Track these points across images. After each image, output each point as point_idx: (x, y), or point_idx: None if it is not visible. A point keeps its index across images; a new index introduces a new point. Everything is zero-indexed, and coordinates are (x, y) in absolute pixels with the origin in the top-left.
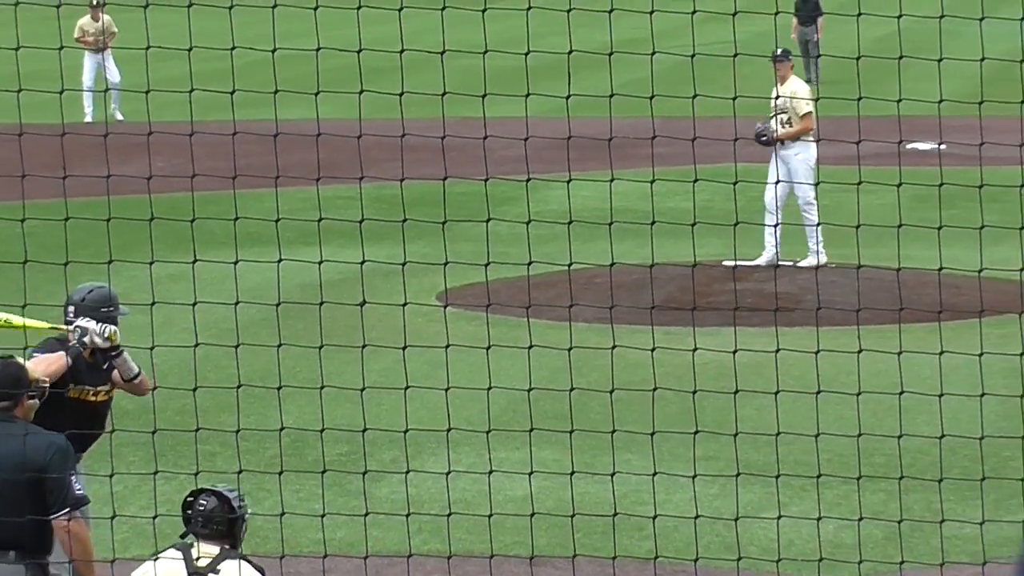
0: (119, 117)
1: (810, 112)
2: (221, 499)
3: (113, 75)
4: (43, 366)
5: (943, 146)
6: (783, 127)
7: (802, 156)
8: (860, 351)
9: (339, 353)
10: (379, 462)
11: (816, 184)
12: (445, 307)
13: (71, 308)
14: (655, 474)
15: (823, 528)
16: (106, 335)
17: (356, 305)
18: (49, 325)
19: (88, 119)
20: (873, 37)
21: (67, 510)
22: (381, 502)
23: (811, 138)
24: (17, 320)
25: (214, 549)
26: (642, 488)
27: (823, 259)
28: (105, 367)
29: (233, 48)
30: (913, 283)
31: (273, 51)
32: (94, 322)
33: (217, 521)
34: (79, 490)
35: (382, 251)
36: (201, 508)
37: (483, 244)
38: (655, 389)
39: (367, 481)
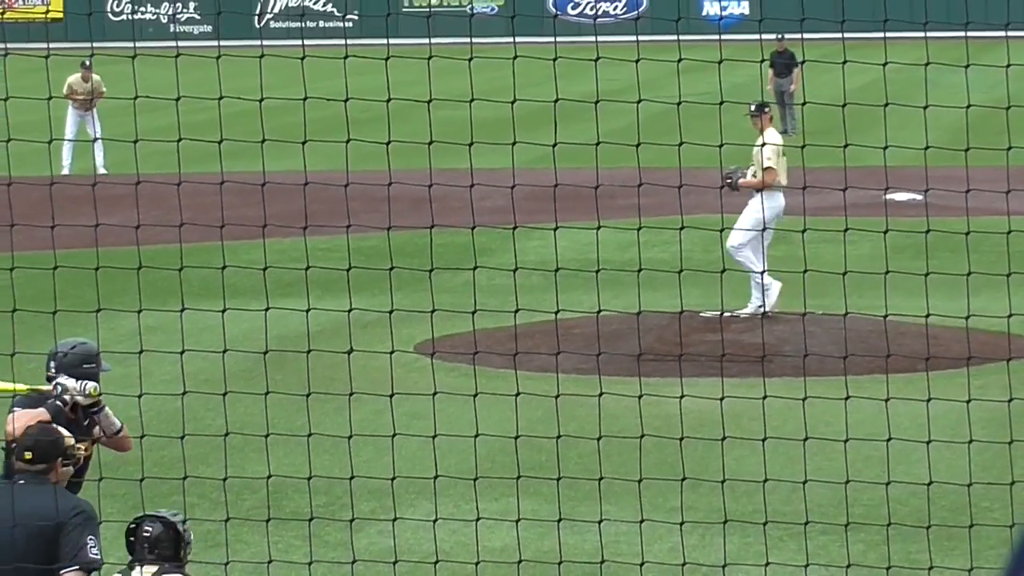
0: (102, 170)
1: (771, 167)
2: (166, 524)
3: (97, 130)
4: (23, 421)
5: (920, 196)
6: (752, 178)
7: (754, 205)
8: (848, 397)
9: (316, 403)
10: (358, 512)
11: (763, 230)
12: (432, 355)
13: (52, 363)
14: (642, 521)
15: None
16: (87, 391)
17: (343, 353)
18: (27, 388)
19: (65, 171)
20: (852, 87)
21: (76, 567)
22: (361, 552)
23: (776, 189)
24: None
25: (154, 568)
26: (621, 539)
27: (758, 306)
28: (86, 423)
29: (221, 98)
30: (892, 333)
31: (260, 100)
32: (73, 380)
33: (163, 546)
34: (95, 554)
35: (360, 302)
36: (146, 534)
37: (460, 294)
38: (642, 436)
39: (347, 531)
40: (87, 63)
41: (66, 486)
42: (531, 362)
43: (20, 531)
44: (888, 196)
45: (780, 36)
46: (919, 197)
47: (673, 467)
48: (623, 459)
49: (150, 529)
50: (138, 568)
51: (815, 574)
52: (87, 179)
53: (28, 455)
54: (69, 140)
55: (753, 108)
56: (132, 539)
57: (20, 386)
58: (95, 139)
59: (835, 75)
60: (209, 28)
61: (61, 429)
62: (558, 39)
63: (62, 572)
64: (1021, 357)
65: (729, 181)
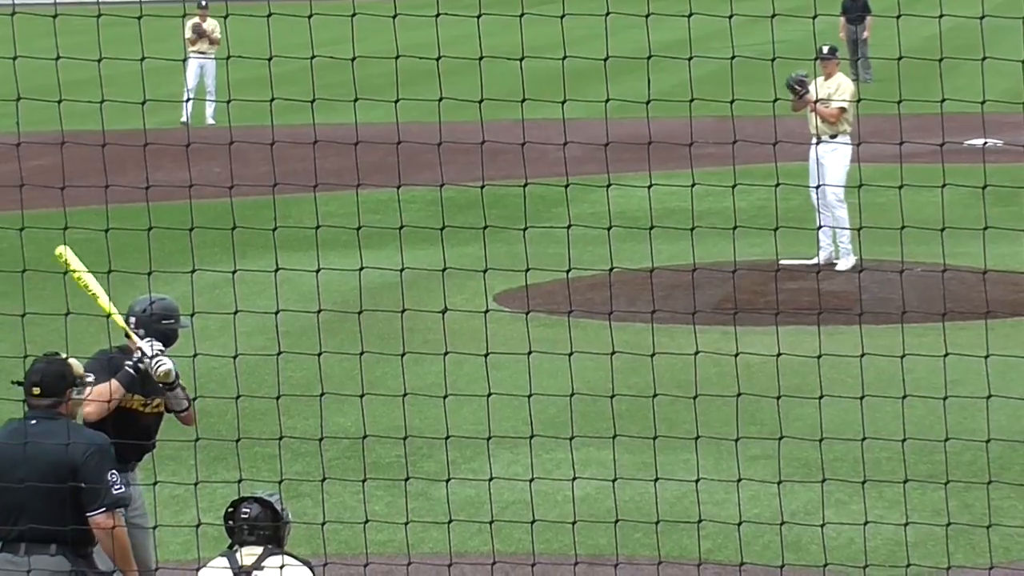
0: (211, 121)
1: (845, 108)
2: (264, 504)
3: (210, 81)
4: (92, 407)
5: (998, 143)
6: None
7: (834, 155)
8: (906, 354)
9: (388, 357)
10: (439, 463)
11: (859, 186)
12: (527, 312)
13: (132, 319)
14: (739, 482)
15: (885, 528)
16: (159, 372)
17: (438, 312)
18: (121, 323)
19: (184, 119)
20: (924, 35)
21: (103, 509)
22: (440, 502)
23: (847, 139)
24: (94, 288)
25: (258, 549)
26: (704, 487)
27: (853, 260)
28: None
29: (312, 56)
30: (974, 281)
31: (312, 57)
32: (157, 350)
33: (262, 527)
34: (118, 490)
35: (427, 256)
36: (245, 516)
37: (535, 246)
38: (739, 395)
39: (426, 483)
40: (203, 3)
41: (128, 449)
42: (604, 312)
43: (34, 475)
44: (969, 142)
45: None
46: (998, 143)
47: (746, 418)
48: (701, 410)
49: (248, 511)
50: (240, 550)
51: (888, 525)
52: (178, 132)
53: (36, 390)
54: (190, 90)
55: (826, 51)
56: (231, 522)
57: (116, 313)
58: (209, 91)
59: (906, 25)
60: None
61: (73, 361)
62: None
63: (91, 516)
64: None
65: (800, 89)
